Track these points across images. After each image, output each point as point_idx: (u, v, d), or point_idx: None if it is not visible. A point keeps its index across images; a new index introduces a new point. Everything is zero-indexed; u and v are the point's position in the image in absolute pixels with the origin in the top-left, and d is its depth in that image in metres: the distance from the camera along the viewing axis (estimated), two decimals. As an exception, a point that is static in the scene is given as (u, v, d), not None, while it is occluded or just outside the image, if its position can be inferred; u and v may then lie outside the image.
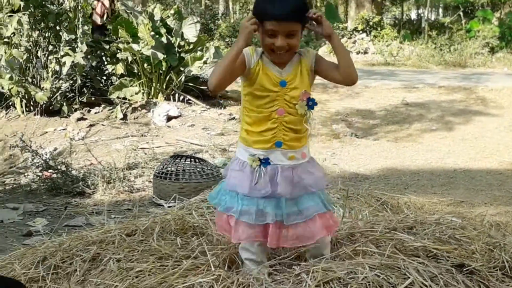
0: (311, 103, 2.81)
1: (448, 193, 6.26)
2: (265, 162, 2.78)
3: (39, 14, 9.55)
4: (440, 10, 35.43)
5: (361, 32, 22.68)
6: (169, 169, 5.87)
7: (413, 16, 35.13)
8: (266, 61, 2.79)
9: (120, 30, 9.91)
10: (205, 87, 11.16)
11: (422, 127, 10.38)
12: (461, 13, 25.63)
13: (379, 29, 23.11)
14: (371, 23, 22.93)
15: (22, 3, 9.41)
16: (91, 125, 9.55)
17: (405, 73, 16.80)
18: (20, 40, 9.57)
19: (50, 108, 9.72)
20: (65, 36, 9.72)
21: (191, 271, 2.77)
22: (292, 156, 2.82)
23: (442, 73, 17.01)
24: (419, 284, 2.48)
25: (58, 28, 9.78)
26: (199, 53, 10.53)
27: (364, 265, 2.60)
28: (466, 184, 6.80)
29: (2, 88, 9.58)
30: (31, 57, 9.72)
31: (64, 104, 9.75)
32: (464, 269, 2.69)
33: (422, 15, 30.65)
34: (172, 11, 11.23)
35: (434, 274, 2.55)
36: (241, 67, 2.77)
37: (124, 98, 10.24)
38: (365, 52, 21.59)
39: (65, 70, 9.64)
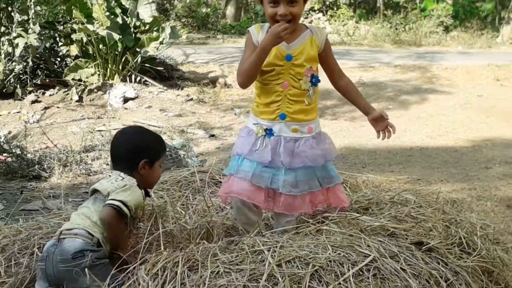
0: (314, 80, 2.94)
1: (405, 171, 6.33)
2: (269, 132, 2.91)
3: (-10, -5, 9.33)
4: (395, -11, 35.67)
5: (317, 11, 22.74)
6: (126, 151, 5.80)
7: (369, -5, 35.31)
8: None
9: (74, 11, 9.72)
10: (162, 68, 11.10)
11: (379, 106, 10.44)
12: (416, -8, 25.89)
13: (335, 8, 23.22)
14: (327, 3, 23.00)
15: (-28, -17, 9.17)
16: (46, 108, 9.39)
17: (361, 53, 16.93)
18: (-29, 21, 9.35)
19: (4, 90, 9.52)
20: (17, 17, 9.50)
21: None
22: (295, 129, 2.92)
23: (397, 52, 17.18)
24: (380, 262, 2.51)
25: (10, 9, 9.55)
26: (155, 34, 10.43)
27: (326, 244, 2.61)
28: (422, 162, 6.88)
29: (-47, 70, 9.34)
30: (-18, 38, 9.50)
31: (18, 86, 9.56)
32: (423, 247, 2.72)
33: (377, -6, 30.81)
34: (127, -9, 11.07)
35: (394, 252, 2.58)
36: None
37: (80, 80, 10.09)
38: (322, 32, 21.63)
39: (18, 51, 9.43)
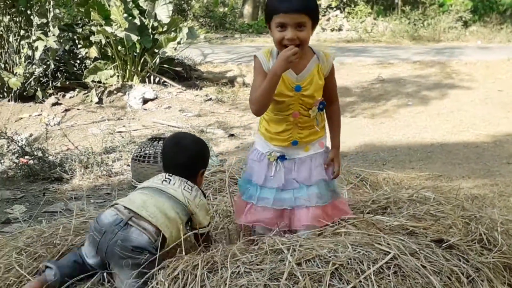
0: (321, 106, 2.98)
1: (426, 168, 6.30)
2: (281, 157, 2.95)
3: (10, -1, 9.42)
4: (413, -15, 35.43)
5: (335, 9, 22.66)
6: (147, 152, 5.83)
7: (386, -9, 35.10)
8: None
9: (92, 13, 9.79)
10: (180, 68, 11.14)
11: (398, 102, 10.42)
12: (434, -13, 25.66)
13: (352, 5, 23.12)
14: (344, 0, 22.91)
15: (-9, -12, 9.27)
16: (66, 110, 9.47)
17: (380, 49, 16.83)
18: (-9, 25, 9.44)
19: (24, 93, 9.62)
20: (36, 20, 9.60)
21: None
22: (307, 148, 2.98)
23: (416, 48, 17.07)
24: (400, 259, 2.50)
25: (29, 12, 9.66)
26: (172, 34, 10.45)
27: (345, 242, 2.61)
28: (443, 158, 6.85)
29: (-26, 75, 9.44)
30: (2, 42, 9.60)
31: (38, 89, 9.65)
32: (443, 244, 2.71)
33: (395, -10, 30.63)
34: (144, -8, 11.11)
35: (414, 250, 2.58)
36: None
37: (99, 82, 10.16)
38: (340, 29, 21.60)
39: (37, 54, 9.53)
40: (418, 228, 2.93)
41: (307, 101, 2.90)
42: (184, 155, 3.05)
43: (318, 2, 23.53)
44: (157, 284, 2.51)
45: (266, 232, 2.96)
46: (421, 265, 2.50)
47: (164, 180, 2.98)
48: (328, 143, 3.13)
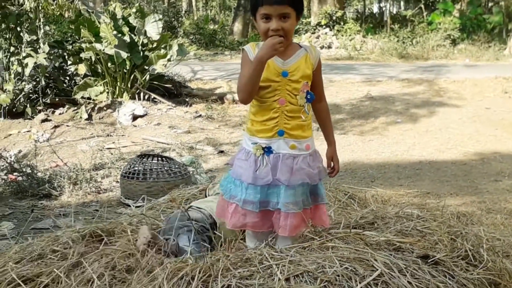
0: (309, 97, 2.96)
1: (414, 185, 6.34)
2: (267, 151, 2.92)
3: (-1, 16, 9.43)
4: (402, 3, 35.70)
5: (324, 27, 22.80)
6: (136, 168, 5.84)
7: (375, 9, 35.37)
8: None
9: (82, 30, 9.82)
10: (170, 85, 11.16)
11: (387, 120, 10.48)
12: (422, 6, 25.88)
13: (342, 23, 23.27)
14: (334, 18, 23.06)
15: (-19, 5, 9.28)
16: (55, 126, 9.46)
17: (369, 67, 16.96)
18: (-19, 42, 9.44)
19: (14, 110, 9.62)
20: (26, 37, 9.61)
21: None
22: (293, 146, 2.94)
23: (405, 66, 17.20)
24: (387, 276, 2.52)
25: (19, 29, 9.66)
26: (162, 51, 10.49)
27: (333, 258, 2.63)
28: (432, 175, 6.89)
29: (-36, 91, 9.43)
30: (-8, 59, 9.60)
31: (28, 105, 9.65)
32: (429, 260, 2.73)
33: (384, 8, 30.89)
34: (134, 9, 11.16)
35: (401, 266, 2.59)
36: None
37: (89, 98, 10.17)
38: (329, 47, 21.71)
39: (27, 71, 9.53)
40: (404, 243, 2.94)
41: (294, 87, 2.91)
42: None
43: (308, 20, 23.74)
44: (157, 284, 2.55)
45: (255, 234, 3.02)
46: (407, 281, 2.51)
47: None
48: (319, 144, 3.13)
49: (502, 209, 5.31)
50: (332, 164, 3.17)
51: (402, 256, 2.74)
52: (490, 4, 26.98)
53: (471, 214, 4.95)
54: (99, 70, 10.39)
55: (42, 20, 9.73)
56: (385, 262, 2.60)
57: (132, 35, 10.38)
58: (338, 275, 2.50)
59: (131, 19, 10.61)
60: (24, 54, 9.50)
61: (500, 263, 2.89)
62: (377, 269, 2.55)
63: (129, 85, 10.48)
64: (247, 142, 2.99)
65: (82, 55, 10.14)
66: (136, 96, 10.55)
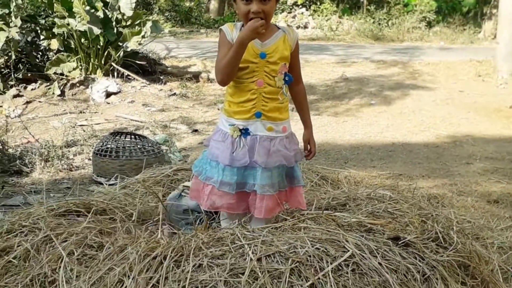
0: (287, 78, 2.98)
1: (387, 167, 6.38)
2: (245, 132, 2.92)
3: (-30, -12, 9.25)
4: (379, -15, 35.70)
5: (300, 6, 22.72)
6: (108, 146, 5.80)
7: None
8: None
9: (55, 4, 9.67)
10: (144, 62, 11.07)
11: (361, 101, 10.51)
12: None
13: (318, 3, 23.21)
14: (310, -3, 23.02)
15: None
16: (27, 102, 9.34)
17: (344, 48, 16.97)
18: (-49, 15, 9.26)
19: (-16, 85, 9.47)
20: (-2, 10, 9.45)
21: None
22: (270, 128, 2.95)
23: (380, 48, 17.25)
24: (358, 257, 2.54)
25: (-10, 2, 9.49)
26: (137, 28, 10.39)
27: (305, 239, 2.64)
28: (404, 157, 6.94)
29: None
30: (-37, 32, 9.42)
31: (-1, 80, 9.51)
32: (400, 242, 2.75)
33: (361, -11, 30.84)
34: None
35: (372, 248, 2.61)
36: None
37: (62, 74, 10.04)
38: (305, 27, 21.66)
39: (-1, 45, 9.38)
40: (376, 225, 2.97)
41: (272, 68, 2.91)
42: None
43: (284, -1, 23.65)
44: (129, 268, 2.54)
45: (230, 216, 3.03)
46: (378, 263, 2.53)
47: None
48: (294, 124, 3.13)
49: (473, 192, 5.38)
50: (308, 147, 3.18)
51: (373, 237, 2.77)
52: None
53: (442, 196, 5.01)
54: (72, 46, 10.25)
55: (14, -7, 9.57)
56: (356, 243, 2.62)
57: (106, 11, 10.24)
58: (310, 256, 2.52)
59: (105, -6, 10.47)
60: (-5, 28, 9.35)
61: (469, 246, 2.93)
62: (348, 250, 2.57)
63: (102, 62, 10.37)
64: (224, 123, 2.98)
65: (55, 30, 9.98)
66: (110, 73, 10.44)
